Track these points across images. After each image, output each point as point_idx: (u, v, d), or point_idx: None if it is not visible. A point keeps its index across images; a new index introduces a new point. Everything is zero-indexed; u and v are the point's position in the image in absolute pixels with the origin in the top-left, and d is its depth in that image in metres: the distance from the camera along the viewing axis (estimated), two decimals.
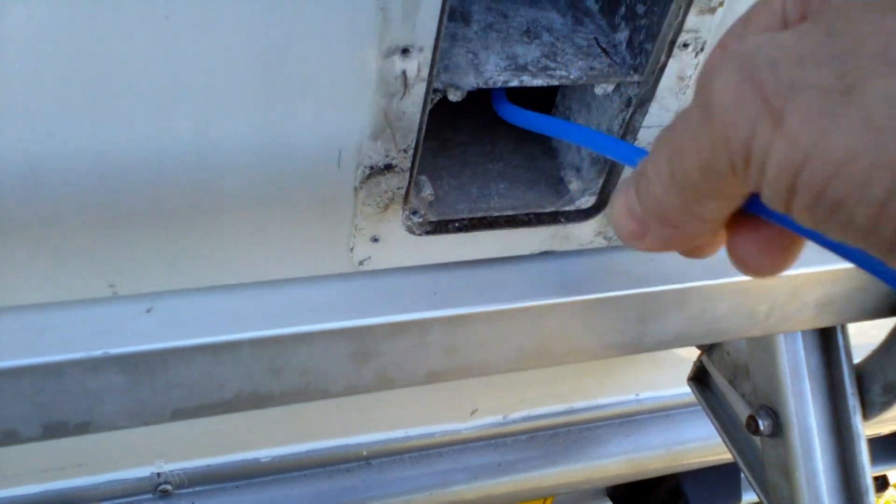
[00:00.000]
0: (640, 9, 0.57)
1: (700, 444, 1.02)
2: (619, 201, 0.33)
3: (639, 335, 0.49)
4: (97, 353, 0.36)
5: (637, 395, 0.94)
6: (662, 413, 0.93)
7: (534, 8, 0.61)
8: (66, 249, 0.52)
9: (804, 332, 0.72)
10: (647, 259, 0.49)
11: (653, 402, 0.94)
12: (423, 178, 0.59)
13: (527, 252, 0.67)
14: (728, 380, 0.77)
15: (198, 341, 0.37)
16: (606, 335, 0.48)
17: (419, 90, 0.52)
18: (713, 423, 0.81)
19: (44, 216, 0.50)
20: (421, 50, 0.50)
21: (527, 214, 0.63)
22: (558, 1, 0.63)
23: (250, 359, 0.38)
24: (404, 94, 0.52)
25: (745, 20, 0.32)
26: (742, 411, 0.75)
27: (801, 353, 0.68)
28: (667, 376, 0.99)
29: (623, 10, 0.59)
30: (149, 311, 0.37)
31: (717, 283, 0.49)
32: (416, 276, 0.42)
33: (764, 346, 0.72)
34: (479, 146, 0.67)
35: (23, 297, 0.54)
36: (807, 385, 0.71)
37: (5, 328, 0.36)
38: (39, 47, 0.43)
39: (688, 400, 0.97)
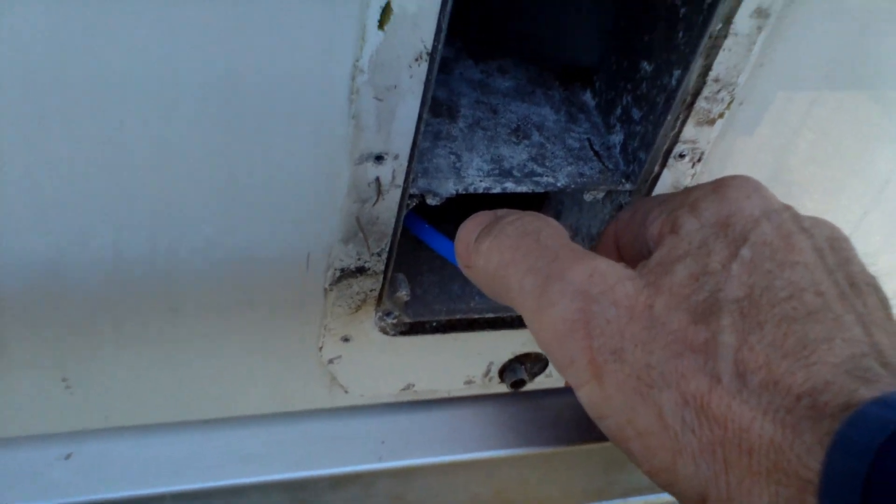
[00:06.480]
0: (636, 114, 0.54)
1: None
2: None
3: (606, 483, 0.45)
4: None
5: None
6: None
7: (526, 103, 0.58)
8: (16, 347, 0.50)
9: None
10: None
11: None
12: (400, 276, 0.57)
13: (507, 356, 0.64)
14: None
15: (116, 495, 0.34)
16: (569, 484, 0.45)
17: (394, 196, 0.49)
18: None
19: None
20: (396, 157, 0.47)
21: (510, 316, 0.60)
22: (553, 95, 0.60)
23: None
24: (377, 200, 0.49)
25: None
26: None
27: None
28: None
29: (619, 111, 0.56)
30: (68, 457, 0.35)
31: None
32: (363, 420, 0.39)
33: None
34: None
35: None
36: None
37: None
38: None
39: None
